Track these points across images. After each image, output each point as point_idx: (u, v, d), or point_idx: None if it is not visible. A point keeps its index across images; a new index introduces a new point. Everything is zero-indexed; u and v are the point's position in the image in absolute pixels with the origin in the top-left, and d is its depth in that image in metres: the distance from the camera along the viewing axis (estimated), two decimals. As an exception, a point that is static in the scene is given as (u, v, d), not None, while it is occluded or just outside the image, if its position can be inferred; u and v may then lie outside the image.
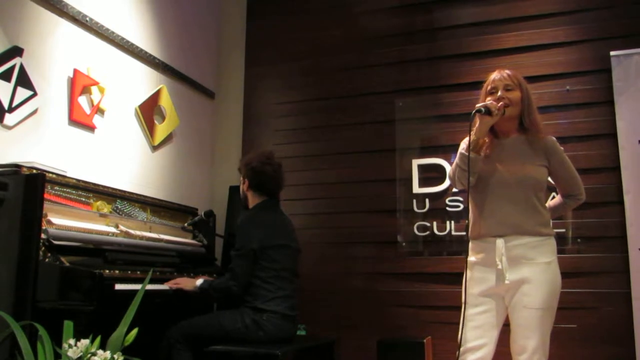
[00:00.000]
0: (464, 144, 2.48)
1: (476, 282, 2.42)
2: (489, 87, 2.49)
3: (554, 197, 2.82)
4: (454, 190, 3.84)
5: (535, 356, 2.28)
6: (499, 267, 2.33)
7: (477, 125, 2.37)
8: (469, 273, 2.47)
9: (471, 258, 2.49)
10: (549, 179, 2.50)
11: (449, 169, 3.81)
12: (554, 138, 2.51)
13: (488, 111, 2.33)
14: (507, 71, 2.49)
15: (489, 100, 2.40)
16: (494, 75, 2.49)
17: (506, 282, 2.32)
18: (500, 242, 2.34)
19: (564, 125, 3.71)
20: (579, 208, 3.54)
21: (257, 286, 3.06)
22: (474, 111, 2.34)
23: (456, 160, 2.47)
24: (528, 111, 2.45)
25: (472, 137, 2.37)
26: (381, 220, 4.06)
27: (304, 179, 4.28)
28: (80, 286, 2.50)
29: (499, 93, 2.43)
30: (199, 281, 3.12)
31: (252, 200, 3.30)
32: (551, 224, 2.46)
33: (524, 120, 2.45)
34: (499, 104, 2.37)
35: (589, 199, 3.49)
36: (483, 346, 2.36)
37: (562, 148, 2.51)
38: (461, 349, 2.39)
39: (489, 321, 2.38)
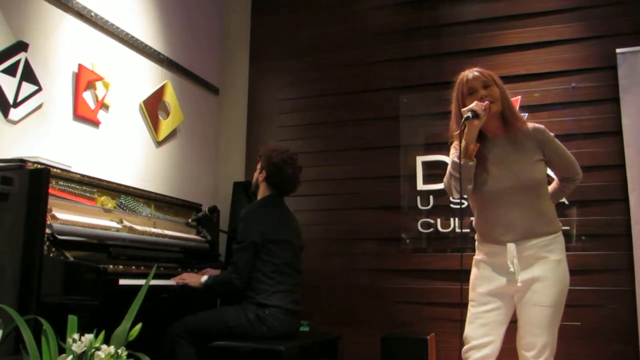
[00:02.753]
0: (454, 150, 2.46)
1: (484, 280, 2.41)
2: (465, 90, 2.42)
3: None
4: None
5: (544, 353, 2.27)
6: (511, 269, 2.31)
7: (465, 131, 2.32)
8: (476, 271, 2.47)
9: (478, 256, 2.48)
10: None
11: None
12: (542, 126, 2.45)
13: (475, 114, 2.29)
14: (476, 69, 2.43)
15: (472, 103, 2.35)
16: (467, 76, 2.42)
17: (518, 284, 2.31)
18: (511, 246, 2.32)
19: (569, 123, 3.69)
20: (584, 206, 3.56)
21: (258, 280, 3.07)
22: (462, 119, 2.30)
23: (449, 169, 2.43)
24: (508, 106, 2.41)
25: (463, 143, 2.32)
26: (385, 217, 4.06)
27: (308, 175, 4.25)
28: (85, 281, 2.50)
29: (480, 92, 2.38)
30: (204, 278, 3.13)
31: (263, 192, 3.32)
32: (557, 217, 2.45)
33: (506, 115, 2.40)
34: (484, 103, 2.33)
35: (594, 196, 3.51)
36: (489, 343, 2.35)
37: (552, 134, 2.47)
38: (467, 345, 2.40)
39: (497, 319, 2.37)
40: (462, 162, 2.33)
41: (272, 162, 3.28)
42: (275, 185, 3.30)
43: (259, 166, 3.37)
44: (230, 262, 3.14)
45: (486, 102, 2.34)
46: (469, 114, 2.29)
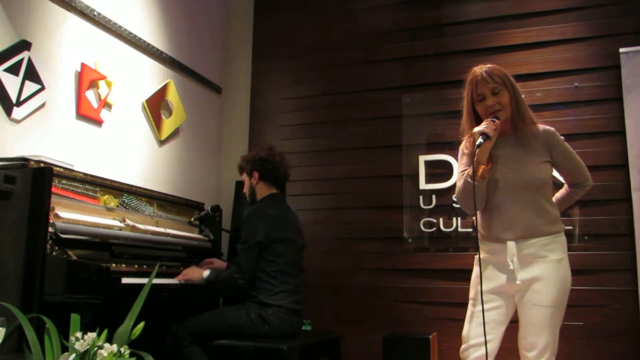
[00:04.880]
0: (465, 160, 2.48)
1: (485, 279, 2.41)
2: (475, 95, 2.41)
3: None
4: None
5: (546, 354, 2.27)
6: (511, 267, 2.32)
7: (477, 152, 2.32)
8: (477, 269, 2.47)
9: (480, 255, 2.48)
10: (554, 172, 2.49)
11: (455, 166, 3.80)
12: (553, 129, 2.45)
13: (487, 136, 2.30)
14: (487, 69, 2.40)
15: (483, 124, 2.35)
16: (477, 79, 2.40)
17: (517, 282, 2.31)
18: (511, 243, 2.33)
19: (572, 122, 3.69)
20: (586, 205, 3.56)
21: (261, 280, 3.07)
22: (476, 144, 2.29)
23: (461, 186, 2.43)
24: (518, 108, 2.40)
25: (475, 163, 2.33)
26: (387, 216, 4.06)
27: (310, 174, 4.28)
28: (87, 280, 2.51)
29: (489, 101, 2.38)
30: (206, 272, 3.12)
31: (261, 192, 3.33)
32: (560, 218, 2.45)
33: (515, 119, 2.40)
34: (495, 122, 2.33)
35: (597, 196, 3.50)
36: (487, 342, 2.35)
37: (562, 137, 2.47)
38: (465, 344, 2.40)
39: (496, 318, 2.37)
40: (470, 181, 2.34)
41: (258, 158, 3.32)
42: (272, 178, 3.32)
43: (245, 175, 3.40)
44: (233, 261, 3.13)
45: (497, 121, 2.35)
46: (481, 139, 2.29)
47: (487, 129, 2.31)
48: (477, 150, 2.30)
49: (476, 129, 2.34)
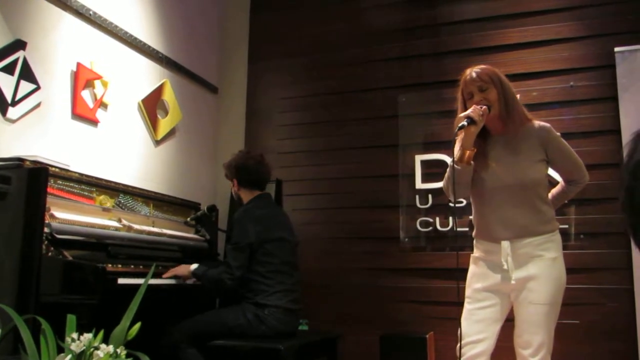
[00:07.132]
0: (455, 152, 2.48)
1: (480, 277, 2.42)
2: (465, 93, 2.44)
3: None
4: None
5: (541, 351, 2.28)
6: (505, 267, 2.32)
7: (462, 136, 2.33)
8: (473, 268, 2.48)
9: (475, 254, 2.49)
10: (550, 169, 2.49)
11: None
12: (548, 125, 2.43)
13: (471, 121, 2.30)
14: (477, 69, 2.42)
15: (470, 109, 2.36)
16: (466, 78, 2.43)
17: (512, 282, 2.32)
18: (505, 243, 2.33)
19: (567, 121, 3.69)
20: (582, 204, 3.56)
21: (256, 282, 3.06)
22: (459, 126, 2.30)
23: (447, 173, 2.45)
24: (506, 105, 2.39)
25: (460, 149, 2.35)
26: (384, 216, 4.06)
27: (307, 174, 4.28)
28: (83, 280, 2.50)
29: (477, 97, 2.39)
30: (194, 265, 3.10)
31: (246, 197, 3.35)
32: (555, 217, 2.45)
33: (503, 116, 2.39)
34: (482, 108, 2.33)
35: (593, 194, 3.51)
36: (482, 340, 2.36)
37: (558, 134, 2.46)
38: (461, 342, 2.40)
39: (491, 316, 2.38)
40: (456, 167, 2.36)
41: (234, 166, 3.35)
42: (250, 183, 3.32)
43: (231, 184, 3.42)
44: (223, 262, 3.12)
45: (484, 107, 2.35)
46: (465, 122, 2.30)
47: (472, 113, 2.31)
48: (463, 134, 2.31)
49: (462, 114, 2.35)
